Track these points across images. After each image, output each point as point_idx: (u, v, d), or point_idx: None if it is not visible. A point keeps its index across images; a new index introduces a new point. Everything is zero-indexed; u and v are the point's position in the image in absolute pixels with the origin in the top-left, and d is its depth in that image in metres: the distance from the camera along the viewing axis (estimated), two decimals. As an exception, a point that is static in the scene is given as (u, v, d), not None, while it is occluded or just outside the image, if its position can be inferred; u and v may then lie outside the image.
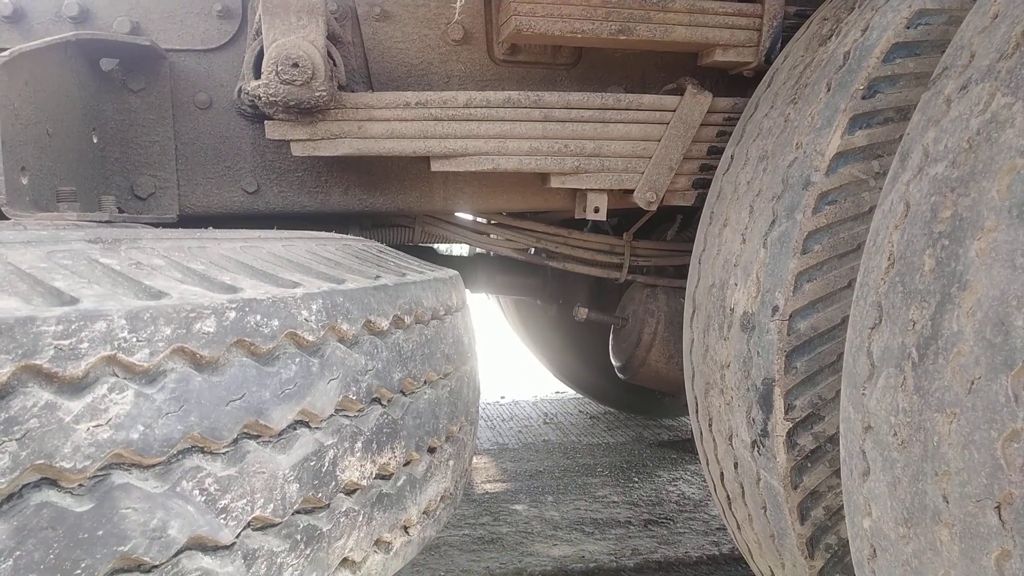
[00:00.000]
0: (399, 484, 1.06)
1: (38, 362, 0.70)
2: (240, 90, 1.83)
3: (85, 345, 0.73)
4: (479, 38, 1.94)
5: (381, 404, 1.04)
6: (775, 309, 1.37)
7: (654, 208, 1.90)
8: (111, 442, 0.73)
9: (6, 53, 1.30)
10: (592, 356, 3.83)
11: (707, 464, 1.74)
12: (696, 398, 1.72)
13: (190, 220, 1.88)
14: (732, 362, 1.51)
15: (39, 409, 0.70)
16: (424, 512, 1.14)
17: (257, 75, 1.65)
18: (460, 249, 3.62)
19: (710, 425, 1.65)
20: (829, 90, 1.39)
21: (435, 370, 1.17)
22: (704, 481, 3.47)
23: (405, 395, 1.09)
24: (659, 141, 1.85)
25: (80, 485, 0.72)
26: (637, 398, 3.98)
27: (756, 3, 1.83)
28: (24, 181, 1.36)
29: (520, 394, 5.13)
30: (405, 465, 1.08)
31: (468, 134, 1.77)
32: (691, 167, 1.90)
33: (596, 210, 1.90)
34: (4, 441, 0.68)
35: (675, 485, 3.41)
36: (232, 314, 0.84)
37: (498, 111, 1.77)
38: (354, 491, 0.98)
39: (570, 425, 4.40)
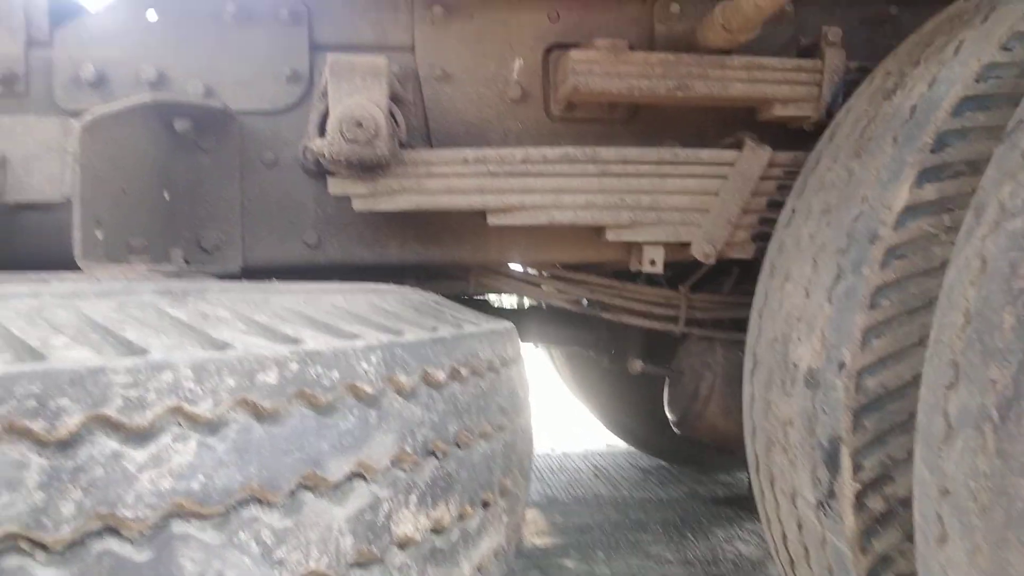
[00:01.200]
0: (453, 539, 1.04)
1: (107, 412, 0.72)
2: (305, 148, 1.89)
3: (152, 395, 0.75)
4: (536, 96, 1.98)
5: (436, 457, 1.03)
6: (841, 365, 1.33)
7: (712, 261, 1.87)
8: (172, 491, 0.74)
9: (88, 116, 1.37)
10: (644, 408, 3.75)
11: (768, 524, 1.67)
12: (757, 455, 1.67)
13: (253, 272, 1.93)
14: (796, 419, 1.46)
15: (105, 458, 0.71)
16: (477, 568, 1.12)
17: (322, 134, 1.71)
18: (510, 301, 3.63)
19: (772, 484, 1.59)
20: (896, 144, 1.37)
21: (490, 423, 1.16)
22: (762, 540, 3.33)
23: (460, 448, 1.08)
24: (717, 195, 1.84)
25: (141, 534, 0.73)
26: (690, 452, 3.87)
27: (816, 59, 1.82)
28: (99, 235, 1.42)
29: (570, 446, 5.05)
30: (459, 520, 1.07)
31: (525, 189, 1.79)
32: (750, 220, 1.88)
33: (652, 263, 1.89)
34: (70, 489, 0.69)
35: (731, 544, 3.28)
36: (294, 365, 0.85)
37: (555, 166, 1.79)
38: (408, 545, 0.97)
39: (621, 479, 4.30)
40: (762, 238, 1.88)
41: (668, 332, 2.27)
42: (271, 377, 0.83)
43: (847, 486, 1.30)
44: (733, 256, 1.90)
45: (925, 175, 1.29)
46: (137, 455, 0.73)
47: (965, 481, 0.96)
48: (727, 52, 1.81)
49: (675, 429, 2.44)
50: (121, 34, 1.86)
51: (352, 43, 1.95)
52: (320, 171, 1.87)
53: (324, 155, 1.67)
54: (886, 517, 1.29)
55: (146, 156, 1.68)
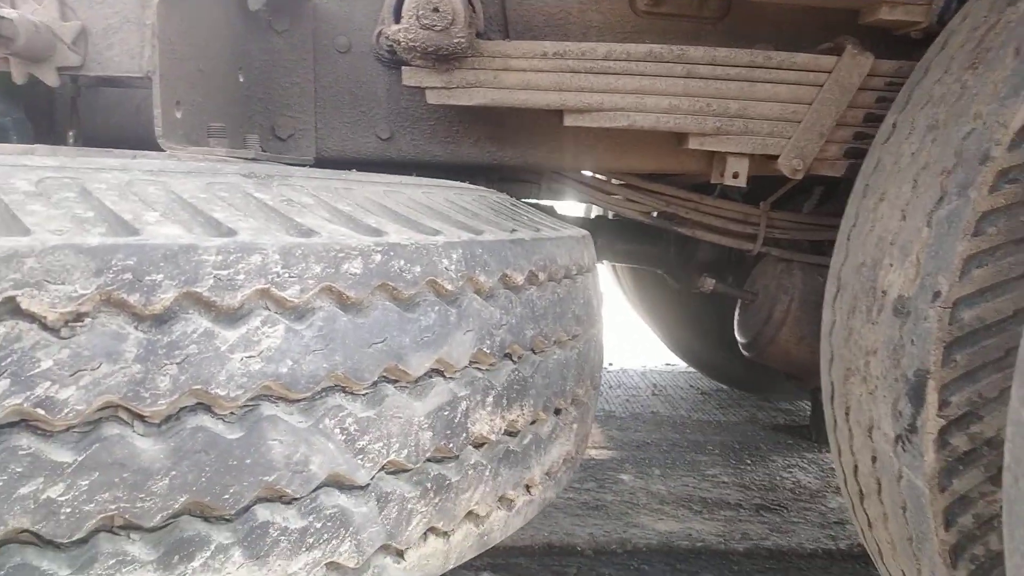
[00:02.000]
0: (525, 442, 1.04)
1: (199, 290, 0.72)
2: (379, 34, 1.82)
3: (242, 277, 0.74)
4: (622, -13, 1.86)
5: (512, 360, 1.02)
6: (937, 295, 1.26)
7: (800, 176, 1.78)
8: (262, 374, 0.74)
9: (167, -10, 1.34)
10: (709, 330, 3.70)
11: (839, 455, 1.64)
12: (833, 384, 1.62)
13: (325, 163, 1.92)
14: (880, 349, 1.41)
15: (198, 336, 0.71)
16: (547, 473, 1.12)
17: (397, 19, 1.64)
18: (577, 211, 3.55)
19: (847, 414, 1.55)
20: (1018, 55, 1.24)
21: (565, 330, 1.14)
22: (822, 471, 3.31)
23: (535, 353, 1.07)
24: (811, 104, 1.72)
25: (232, 413, 0.74)
26: (754, 377, 3.83)
27: (935, -44, 1.65)
28: (178, 115, 1.41)
29: (628, 362, 5.06)
30: (532, 424, 1.06)
31: (605, 88, 1.70)
32: (844, 134, 1.76)
33: (736, 175, 1.80)
34: (166, 364, 0.69)
35: (790, 472, 3.27)
36: (378, 257, 0.83)
37: (638, 65, 1.69)
38: (483, 445, 0.97)
39: (680, 399, 4.30)
40: (855, 155, 1.77)
41: (742, 252, 2.20)
42: (356, 267, 0.82)
43: (931, 421, 1.26)
44: (823, 173, 1.80)
45: (1055, 91, 1.18)
46: (228, 335, 0.73)
47: (1070, 422, 0.91)
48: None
49: (745, 352, 2.39)
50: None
51: (432, -76, 1.84)
52: (394, 60, 1.81)
53: (399, 42, 1.60)
54: (969, 456, 1.25)
55: (222, 35, 1.64)
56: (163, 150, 1.35)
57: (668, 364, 4.95)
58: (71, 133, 1.49)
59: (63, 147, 1.21)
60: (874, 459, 1.45)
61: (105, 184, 0.79)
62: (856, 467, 1.54)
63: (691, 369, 4.62)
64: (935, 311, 1.26)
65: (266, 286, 0.75)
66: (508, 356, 1.01)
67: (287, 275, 0.76)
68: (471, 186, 1.32)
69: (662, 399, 4.26)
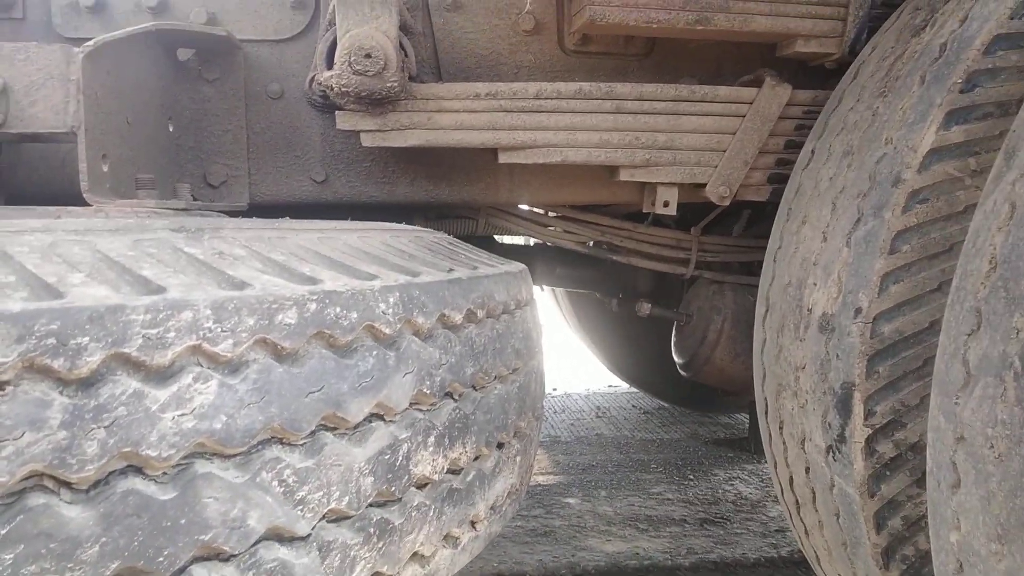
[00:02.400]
0: (469, 479, 1.05)
1: (127, 350, 0.71)
2: (312, 80, 1.84)
3: (172, 334, 0.73)
4: (550, 28, 1.91)
5: (453, 399, 1.03)
6: (858, 311, 1.32)
7: (727, 203, 1.84)
8: (195, 431, 0.74)
9: (89, 43, 1.33)
10: (647, 351, 3.77)
11: (775, 467, 1.69)
12: (767, 400, 1.67)
13: (260, 209, 1.91)
14: (808, 364, 1.46)
15: (127, 397, 0.71)
16: (491, 507, 1.13)
17: (330, 65, 1.66)
18: (516, 241, 3.60)
19: (780, 428, 1.60)
20: (923, 83, 1.32)
21: (505, 365, 1.16)
22: (762, 482, 3.39)
23: (476, 390, 1.08)
24: (734, 134, 1.80)
25: (164, 473, 0.73)
26: (692, 394, 3.91)
27: (841, -8, 1.75)
28: (105, 168, 1.39)
29: (572, 387, 5.10)
30: (475, 460, 1.07)
31: (537, 126, 1.74)
32: (767, 161, 1.84)
33: (666, 204, 1.86)
34: (93, 428, 0.69)
35: (732, 484, 3.34)
36: (313, 306, 0.84)
37: (568, 102, 1.74)
38: (426, 485, 0.97)
39: (623, 420, 4.35)
40: (778, 180, 1.85)
41: (678, 275, 2.26)
42: (290, 317, 0.82)
43: (858, 431, 1.31)
44: (749, 198, 1.87)
45: (953, 116, 1.26)
46: (159, 394, 0.72)
47: (983, 429, 0.96)
48: (750, -16, 1.74)
49: (682, 372, 2.45)
50: (120, -43, 1.78)
51: (360, -31, 1.87)
52: (327, 105, 1.83)
53: (332, 88, 1.62)
54: (895, 462, 1.31)
55: (150, 86, 1.63)
56: (91, 204, 1.33)
57: (611, 386, 5.02)
58: (-8, 189, 1.46)
59: None
60: (808, 470, 1.50)
61: (27, 247, 0.78)
62: (791, 478, 1.59)
63: (633, 389, 4.68)
64: (857, 326, 1.32)
65: (197, 342, 0.75)
66: (449, 395, 1.02)
67: (219, 330, 0.76)
68: (408, 227, 1.33)
69: (606, 420, 4.31)
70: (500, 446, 1.15)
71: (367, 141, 1.73)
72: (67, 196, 1.71)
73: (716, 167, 1.81)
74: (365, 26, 1.59)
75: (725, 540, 2.75)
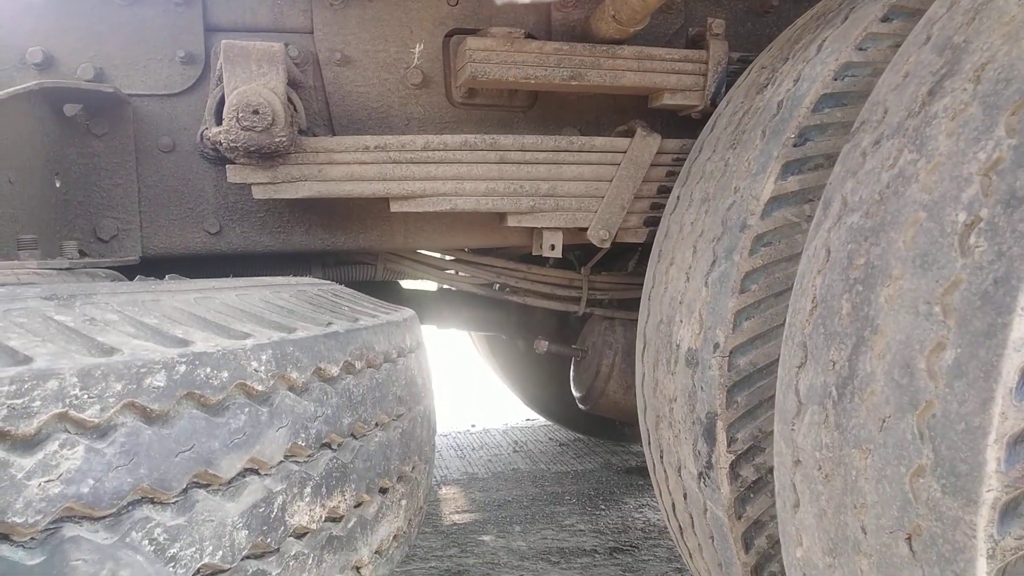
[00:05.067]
0: (349, 526, 1.10)
1: (-9, 422, 0.74)
2: (202, 134, 1.87)
3: (38, 404, 0.77)
4: (437, 82, 2.01)
5: (331, 449, 1.08)
6: (716, 346, 1.43)
7: (607, 246, 1.96)
8: (62, 496, 0.77)
9: (-32, 107, 1.33)
10: (559, 385, 3.88)
11: (660, 494, 1.79)
12: (648, 430, 1.78)
13: (153, 261, 1.91)
14: (679, 396, 1.57)
15: (-9, 467, 0.73)
16: (376, 552, 1.18)
17: (219, 121, 1.70)
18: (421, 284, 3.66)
19: (661, 457, 1.71)
20: (764, 137, 1.47)
21: (386, 412, 1.21)
22: (667, 506, 3.50)
23: (356, 439, 1.13)
24: (611, 181, 1.92)
25: (32, 539, 0.76)
26: (604, 425, 4.03)
27: (701, 50, 1.91)
28: (-16, 229, 1.39)
29: (491, 422, 5.15)
30: (356, 507, 1.12)
31: (426, 176, 1.82)
32: (642, 206, 1.97)
33: (552, 247, 1.96)
34: (-44, 499, 0.71)
35: (641, 512, 3.45)
36: (182, 367, 0.88)
37: (455, 154, 1.83)
38: (304, 535, 1.01)
39: (540, 453, 4.43)
40: (654, 223, 1.98)
41: (572, 313, 2.36)
42: (159, 380, 0.86)
43: (723, 457, 1.42)
44: (627, 240, 2.00)
45: (789, 168, 1.40)
46: (25, 462, 0.75)
47: (812, 452, 1.08)
48: (620, 42, 1.88)
49: (580, 405, 2.54)
50: (3, 13, 1.78)
51: (248, 25, 1.93)
52: (219, 157, 1.86)
53: (221, 143, 1.66)
54: (758, 485, 1.42)
55: (34, 144, 1.63)
56: None
57: (528, 419, 5.10)
58: None
59: None
60: (685, 496, 1.61)
61: None
62: (673, 504, 1.69)
63: (549, 423, 4.77)
64: (716, 360, 1.43)
65: (64, 410, 0.78)
66: (327, 445, 1.07)
67: (86, 396, 0.80)
68: (292, 281, 1.38)
69: (523, 455, 4.37)
70: (383, 491, 1.20)
71: (258, 193, 1.77)
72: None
73: (596, 212, 1.93)
74: (252, 83, 1.64)
75: (633, 567, 2.84)
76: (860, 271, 1.03)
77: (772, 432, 1.42)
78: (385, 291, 2.37)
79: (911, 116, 1.03)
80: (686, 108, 1.97)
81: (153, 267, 1.90)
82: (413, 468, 1.31)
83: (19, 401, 0.75)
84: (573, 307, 2.32)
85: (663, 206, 1.95)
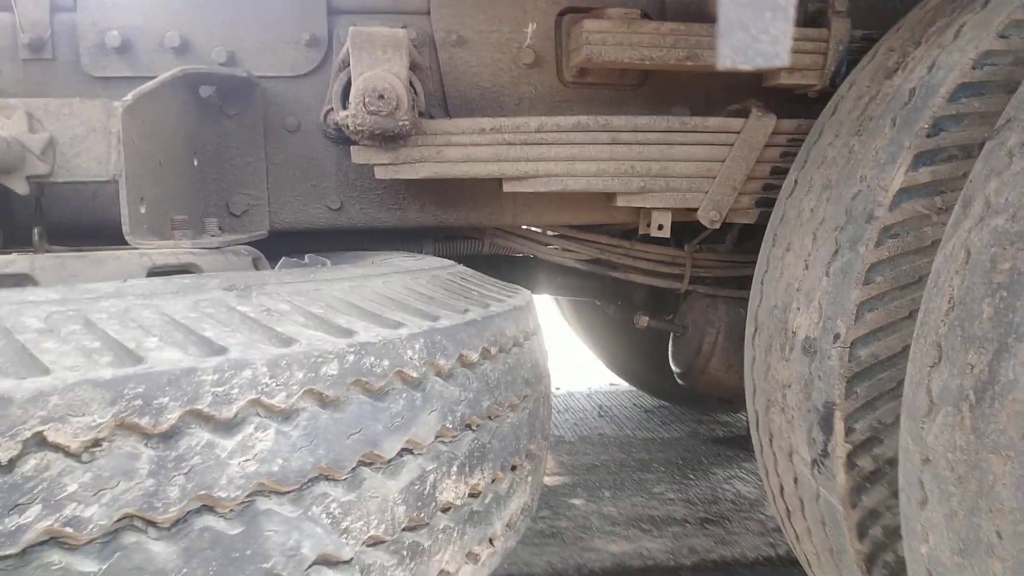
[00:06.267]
0: (487, 502, 1.18)
1: (200, 407, 0.83)
2: (326, 114, 1.95)
3: (236, 391, 0.85)
4: (549, 61, 2.03)
5: (472, 430, 1.15)
6: (836, 336, 1.44)
7: (717, 226, 1.97)
8: (257, 474, 0.86)
9: (129, 98, 1.44)
10: (648, 352, 3.90)
11: (767, 476, 1.82)
12: (757, 413, 1.80)
13: (280, 235, 2.03)
14: (793, 383, 1.58)
15: (201, 447, 0.83)
16: (507, 525, 1.26)
17: (345, 105, 1.77)
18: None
19: (771, 441, 1.73)
20: (894, 125, 1.44)
21: (516, 395, 1.28)
22: (759, 480, 3.51)
23: (492, 420, 1.20)
24: (723, 162, 1.91)
25: (232, 511, 0.85)
26: (692, 394, 4.04)
27: (822, 28, 1.87)
28: (143, 210, 1.51)
29: (575, 385, 5.22)
30: (492, 483, 1.20)
31: (539, 157, 1.86)
32: (754, 187, 1.96)
33: (660, 227, 1.98)
34: (174, 475, 0.81)
35: (730, 483, 3.46)
36: (351, 357, 0.96)
37: (568, 135, 1.86)
38: (449, 509, 1.10)
39: (624, 418, 4.47)
40: (765, 203, 1.97)
41: (674, 290, 2.38)
42: (332, 369, 0.94)
43: (839, 447, 1.44)
44: (737, 221, 1.99)
45: (920, 159, 1.37)
46: (227, 443, 0.84)
47: (944, 452, 1.09)
48: (737, 21, 1.85)
49: (680, 381, 2.57)
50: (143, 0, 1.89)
51: (369, 7, 1.99)
52: (341, 137, 1.94)
53: (348, 127, 1.73)
54: (875, 475, 1.43)
55: (177, 125, 1.74)
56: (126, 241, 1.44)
57: (612, 384, 5.13)
58: (36, 230, 1.57)
59: (40, 255, 1.29)
60: (796, 480, 1.63)
61: (105, 313, 0.90)
62: (782, 487, 1.72)
63: (633, 388, 4.80)
64: (836, 351, 1.44)
65: (257, 396, 0.87)
66: (468, 427, 1.14)
67: (274, 384, 0.88)
68: (423, 266, 1.45)
69: (608, 420, 4.43)
70: (514, 468, 1.27)
71: (380, 174, 1.84)
72: (97, 227, 1.82)
73: (707, 192, 1.93)
74: (377, 68, 1.70)
75: (725, 540, 2.87)
76: (1005, 276, 1.02)
77: (891, 424, 1.43)
78: (483, 259, 2.42)
79: (1068, 118, 1.01)
80: (803, 87, 1.93)
81: (279, 240, 2.02)
82: (537, 446, 1.38)
83: (220, 389, 0.85)
84: (676, 284, 2.33)
85: (776, 187, 1.93)
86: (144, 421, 0.80)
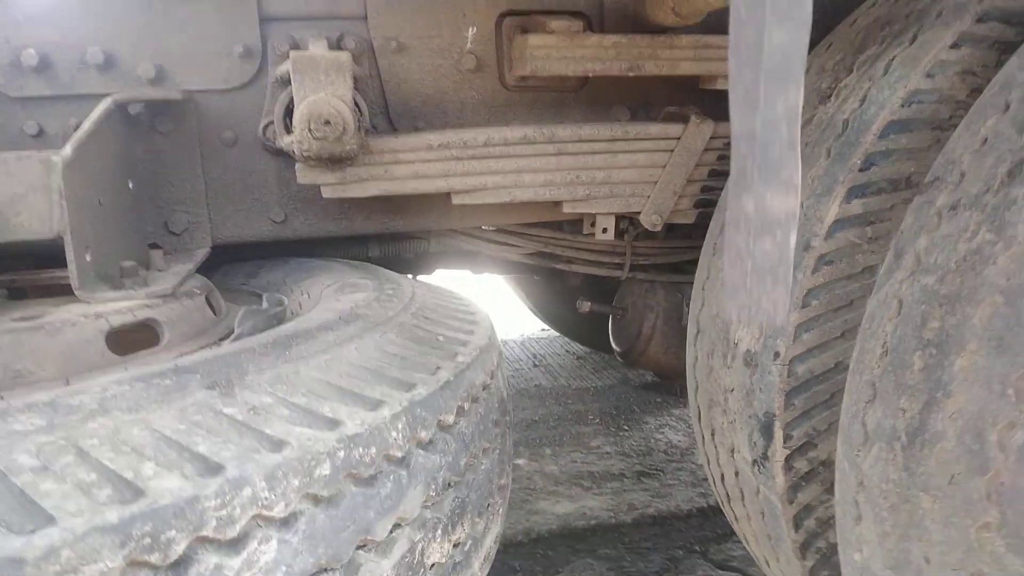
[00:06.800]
0: (467, 549, 1.25)
1: (206, 533, 0.86)
2: (265, 127, 1.90)
3: (238, 511, 0.89)
4: (491, 66, 2.02)
5: (452, 487, 1.21)
6: (776, 355, 1.55)
7: (658, 228, 2.04)
8: (265, 585, 0.90)
9: (68, 151, 1.37)
10: (572, 303, 4.04)
11: (707, 463, 1.96)
12: (699, 408, 1.92)
13: (222, 249, 1.99)
14: (736, 389, 1.71)
15: (210, 572, 0.86)
16: (484, 559, 1.34)
17: (288, 128, 1.73)
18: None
19: (712, 436, 1.86)
20: (829, 156, 1.53)
21: (488, 439, 1.34)
22: (689, 428, 3.72)
23: (469, 472, 1.27)
24: (664, 168, 1.97)
25: (242, 623, 0.90)
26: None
27: (757, 34, 1.91)
28: (88, 259, 1.46)
29: (508, 333, 5.32)
30: (471, 529, 1.27)
31: (487, 171, 1.88)
32: (693, 189, 2.04)
33: (604, 230, 2.04)
34: (188, 602, 0.84)
35: (662, 432, 3.66)
36: (342, 453, 1.00)
37: (515, 148, 1.88)
38: (436, 568, 1.17)
39: (559, 367, 4.62)
40: (704, 204, 2.05)
41: (615, 277, 2.47)
42: (325, 468, 0.98)
43: (779, 452, 1.57)
44: (677, 222, 2.07)
45: (853, 192, 1.47)
46: (233, 562, 0.88)
47: (878, 482, 1.22)
48: (675, 31, 1.88)
49: (620, 360, 2.69)
50: (61, 14, 1.77)
51: (303, 13, 1.92)
52: (282, 150, 1.90)
53: (293, 152, 1.70)
54: (809, 475, 1.58)
55: (113, 156, 1.67)
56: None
57: (543, 329, 5.25)
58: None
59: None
60: (736, 474, 1.77)
61: (96, 438, 0.91)
62: (723, 476, 1.86)
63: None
64: (776, 367, 1.56)
65: (258, 511, 0.90)
66: (448, 486, 1.21)
67: (273, 496, 0.92)
68: (389, 310, 1.46)
69: (543, 370, 4.56)
70: (489, 507, 1.34)
71: (327, 193, 1.83)
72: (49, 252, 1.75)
73: (648, 197, 1.99)
74: (321, 92, 1.67)
75: (660, 492, 3.07)
76: (934, 334, 1.13)
77: (824, 430, 1.57)
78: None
79: (990, 192, 1.10)
80: (739, 91, 1.99)
81: (223, 253, 1.99)
82: (507, 477, 1.46)
83: (224, 512, 0.87)
84: (617, 272, 2.42)
85: (715, 188, 2.01)
86: (154, 557, 0.82)
